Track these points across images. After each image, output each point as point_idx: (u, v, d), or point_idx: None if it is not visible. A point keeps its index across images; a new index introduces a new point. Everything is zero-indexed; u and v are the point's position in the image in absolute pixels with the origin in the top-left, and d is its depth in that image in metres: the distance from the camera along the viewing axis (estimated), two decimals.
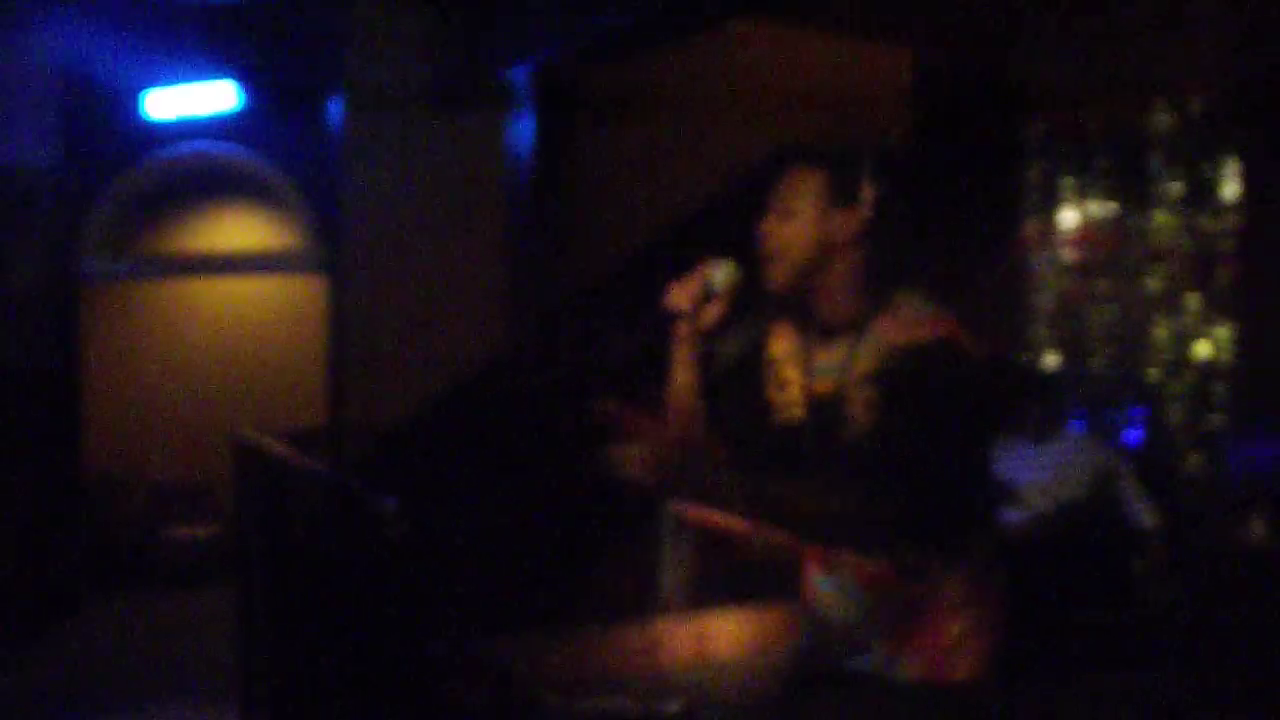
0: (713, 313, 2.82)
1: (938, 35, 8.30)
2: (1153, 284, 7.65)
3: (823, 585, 2.73)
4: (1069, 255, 8.15)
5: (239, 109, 9.54)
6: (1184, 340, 7.48)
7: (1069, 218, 8.14)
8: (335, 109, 9.11)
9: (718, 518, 7.02)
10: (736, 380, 2.84)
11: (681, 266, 8.19)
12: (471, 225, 8.82)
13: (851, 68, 8.88)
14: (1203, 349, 7.38)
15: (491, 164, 8.59)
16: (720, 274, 2.81)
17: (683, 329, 2.81)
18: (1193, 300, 7.44)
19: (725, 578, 7.60)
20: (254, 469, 5.96)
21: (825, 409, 2.64)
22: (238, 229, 10.16)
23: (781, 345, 2.79)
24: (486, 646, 6.03)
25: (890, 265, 2.66)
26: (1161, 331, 7.59)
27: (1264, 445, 6.44)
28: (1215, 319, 7.32)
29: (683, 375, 2.83)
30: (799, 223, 2.67)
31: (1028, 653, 5.98)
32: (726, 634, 7.20)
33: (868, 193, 2.66)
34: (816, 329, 2.71)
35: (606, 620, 7.01)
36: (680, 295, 2.82)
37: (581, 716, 6.06)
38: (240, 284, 10.22)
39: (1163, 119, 7.60)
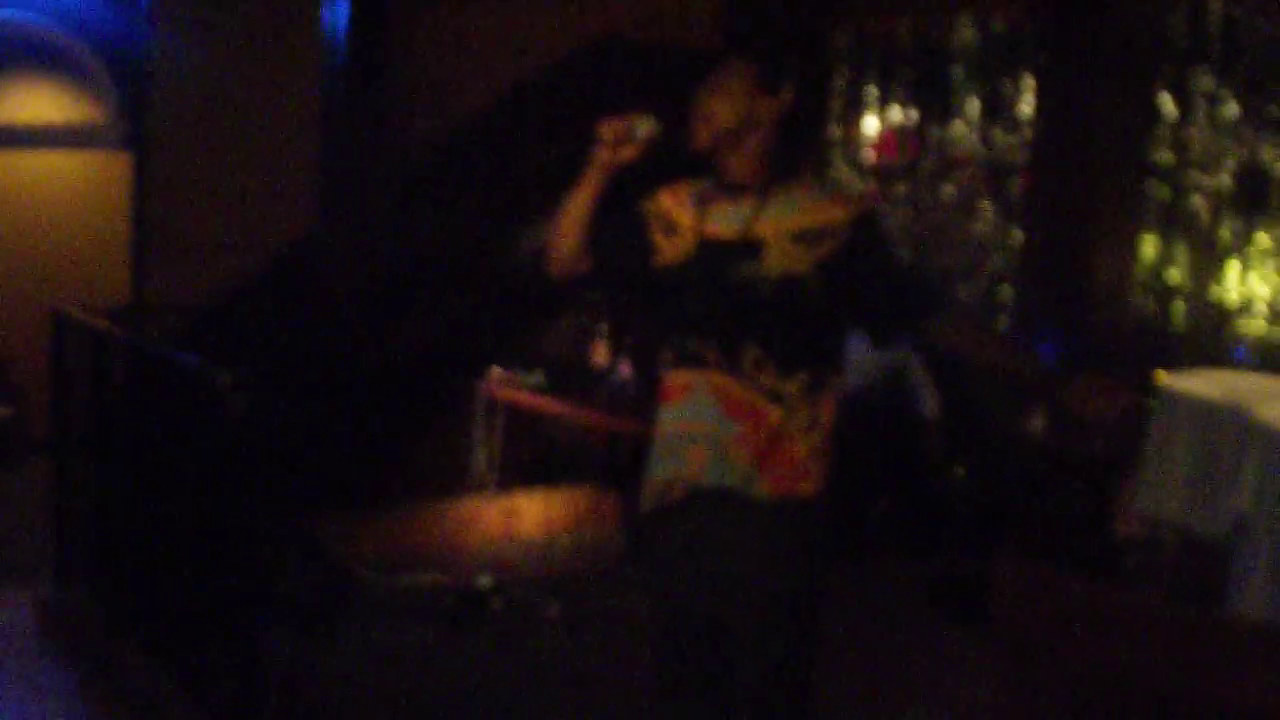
0: (626, 154, 3.08)
1: None
2: (949, 191, 7.97)
3: (684, 412, 3.05)
4: (870, 160, 8.42)
5: None
6: (976, 245, 7.81)
7: (872, 124, 8.41)
8: None
9: (528, 399, 7.23)
10: (623, 220, 3.21)
11: (491, 154, 8.24)
12: (284, 103, 8.74)
13: None
14: (993, 255, 7.72)
15: (306, 41, 8.50)
16: (643, 125, 3.08)
17: (601, 154, 3.08)
18: (986, 208, 7.77)
19: (534, 458, 7.81)
20: (73, 344, 5.93)
21: (716, 249, 3.04)
22: (37, 101, 9.84)
23: (671, 198, 3.19)
24: (305, 523, 6.16)
25: (798, 147, 3.12)
26: (955, 236, 7.91)
27: (1046, 345, 6.81)
28: (1006, 226, 7.66)
29: (584, 195, 3.12)
30: (727, 97, 3.06)
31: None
32: (535, 512, 7.43)
33: (788, 89, 3.08)
34: (721, 186, 3.12)
35: (421, 499, 7.18)
36: (608, 128, 3.07)
37: (396, 591, 6.24)
38: (40, 158, 9.92)
39: (965, 34, 7.89)
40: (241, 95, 8.73)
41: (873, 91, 8.36)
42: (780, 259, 2.99)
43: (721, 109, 3.06)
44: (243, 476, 4.63)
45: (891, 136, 8.27)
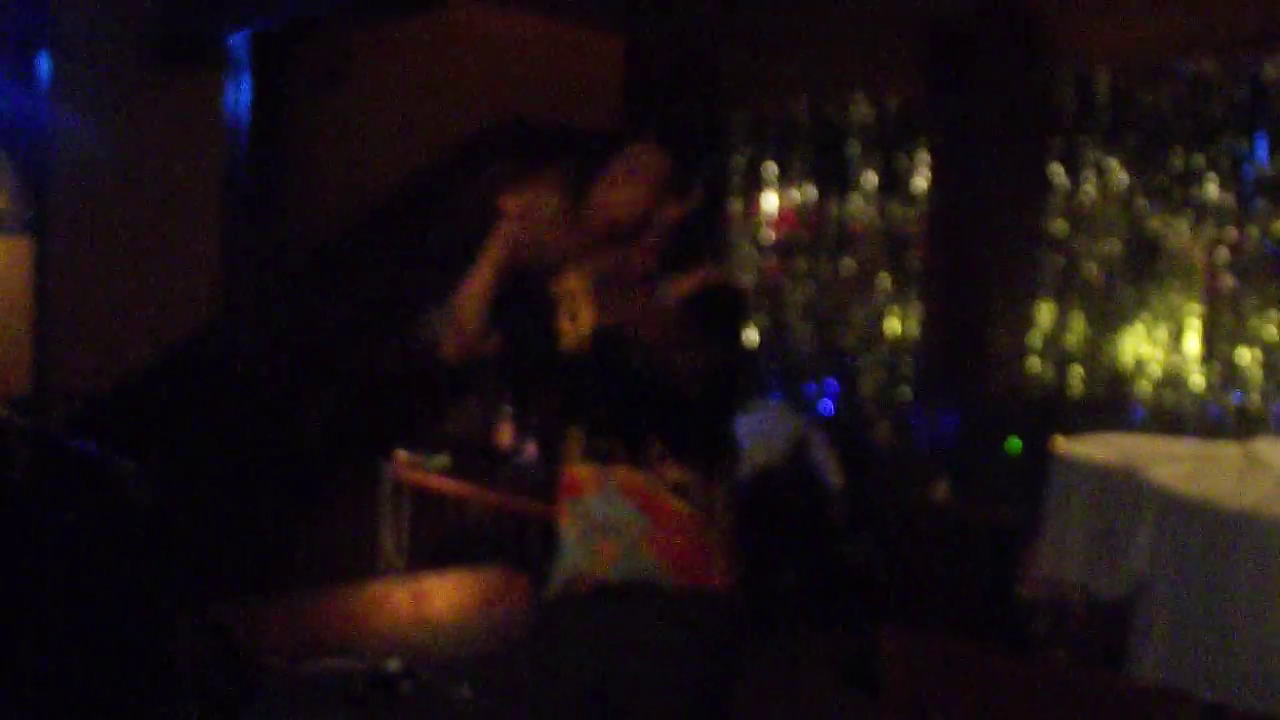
0: (530, 231, 2.97)
1: (649, 24, 8.56)
2: (848, 265, 8.07)
3: (593, 506, 2.98)
4: (770, 237, 8.51)
5: None
6: (876, 318, 7.91)
7: (771, 200, 8.50)
8: (44, 61, 8.87)
9: (435, 481, 7.22)
10: (529, 304, 3.14)
11: (391, 237, 8.27)
12: (186, 190, 8.70)
13: (565, 52, 9.09)
14: (893, 326, 7.82)
15: (208, 126, 8.48)
16: (553, 202, 2.96)
17: (504, 230, 2.99)
18: (884, 280, 7.88)
19: (442, 541, 7.78)
20: None
21: (612, 343, 2.94)
22: None
23: (577, 281, 3.08)
24: (210, 611, 6.09)
25: (698, 243, 3.08)
26: (855, 310, 8.01)
27: (944, 415, 6.89)
28: (904, 299, 7.76)
29: (485, 272, 3.03)
30: (633, 191, 2.99)
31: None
32: (444, 594, 7.40)
33: (697, 191, 3.05)
34: (618, 276, 2.99)
35: (328, 583, 7.13)
36: (512, 203, 2.98)
37: (305, 677, 6.19)
38: None
39: (861, 113, 8.02)
40: (144, 179, 8.67)
41: (771, 169, 8.46)
42: (667, 355, 2.86)
43: (623, 202, 2.98)
44: (148, 564, 4.60)
45: (791, 213, 8.37)
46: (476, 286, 3.05)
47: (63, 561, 5.19)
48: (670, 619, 2.89)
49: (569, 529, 3.04)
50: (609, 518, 2.94)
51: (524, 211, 2.98)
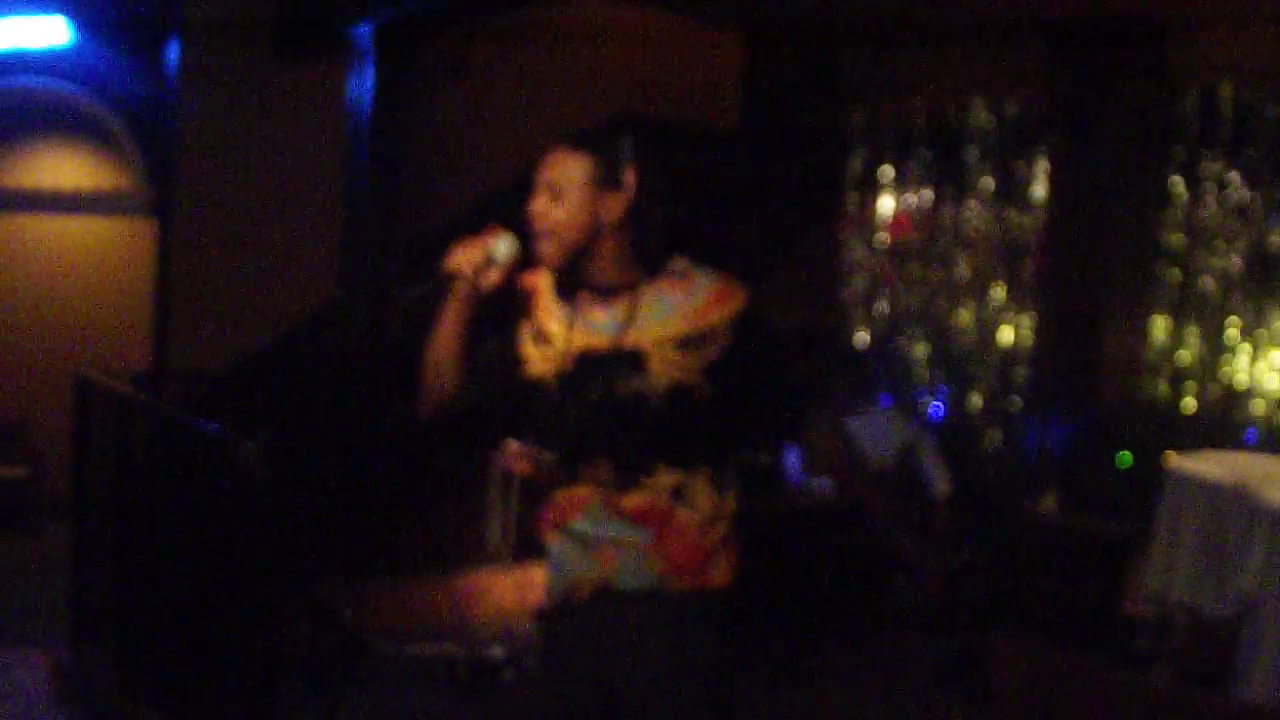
0: (491, 278, 2.93)
1: (770, 23, 8.57)
2: (962, 271, 8.03)
3: (585, 528, 2.87)
4: (885, 240, 8.49)
5: (70, 44, 9.39)
6: (988, 326, 7.86)
7: (887, 205, 8.48)
8: (171, 48, 9.03)
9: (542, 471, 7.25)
10: (493, 336, 3.02)
11: (519, 224, 8.37)
12: (307, 173, 8.82)
13: (685, 47, 9.11)
14: (1005, 335, 7.77)
15: (330, 113, 8.60)
16: (503, 246, 2.92)
17: (459, 288, 2.92)
18: (998, 289, 7.83)
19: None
20: (97, 409, 6.00)
21: (595, 362, 2.85)
22: (66, 167, 9.98)
23: (543, 305, 2.98)
24: (320, 591, 6.20)
25: (657, 239, 2.89)
26: (968, 316, 7.96)
27: (1055, 426, 6.85)
28: (1018, 307, 7.71)
29: (448, 330, 2.96)
30: (567, 206, 2.84)
31: (828, 614, 6.36)
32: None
33: (630, 176, 2.85)
34: (590, 289, 2.89)
35: (435, 569, 7.20)
36: (462, 258, 2.92)
37: (409, 659, 6.26)
38: (67, 223, 10.03)
39: (980, 117, 7.98)
40: (265, 162, 8.81)
41: (888, 171, 8.43)
42: (665, 369, 2.80)
43: (561, 217, 2.84)
44: (260, 542, 4.68)
45: (906, 217, 8.34)
46: (440, 351, 2.98)
47: (179, 536, 5.30)
48: (669, 620, 2.82)
49: (561, 547, 2.94)
50: (604, 535, 2.85)
51: (475, 265, 2.91)
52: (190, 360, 8.49)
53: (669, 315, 2.82)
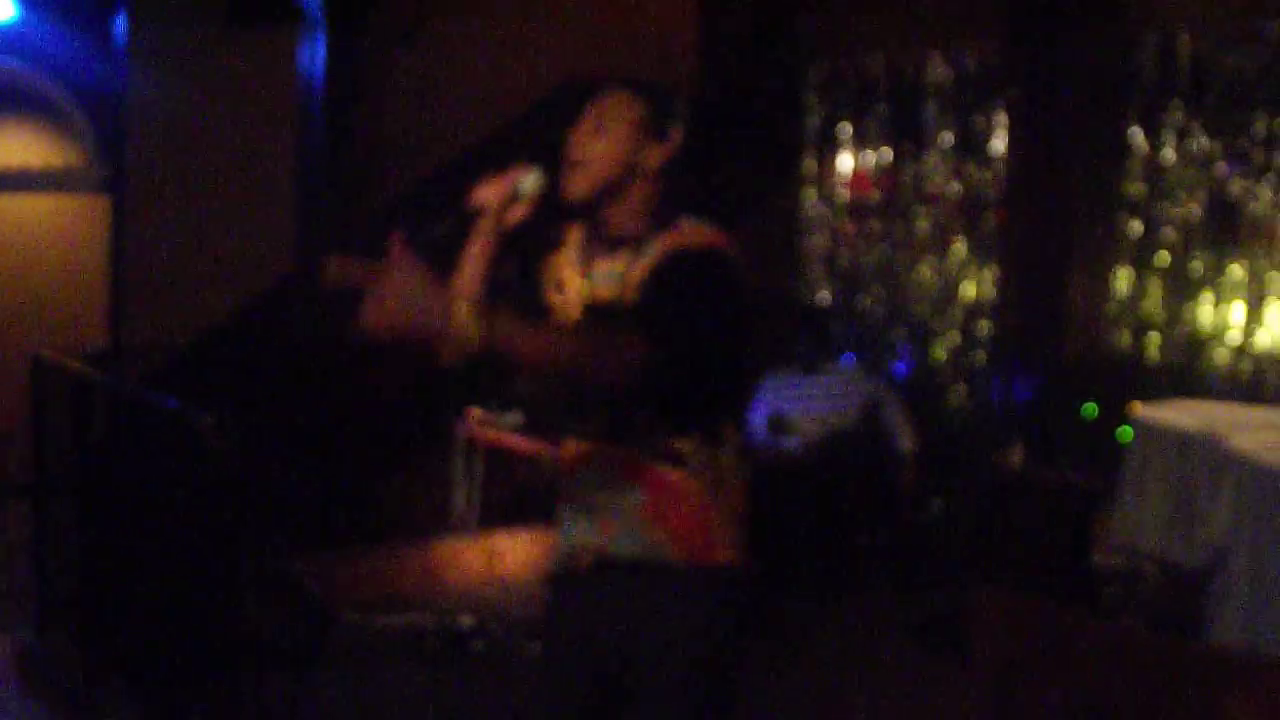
0: (516, 214, 2.90)
1: None
2: (922, 227, 8.01)
3: (585, 481, 2.85)
4: (844, 196, 8.46)
5: (15, 19, 9.27)
6: (950, 281, 7.85)
7: (846, 161, 8.45)
8: (120, 22, 8.94)
9: (508, 438, 7.23)
10: (518, 280, 2.98)
11: (465, 197, 8.31)
12: (261, 145, 8.76)
13: (640, 7, 9.06)
14: (968, 290, 7.76)
15: (282, 84, 8.54)
16: (529, 180, 2.88)
17: (484, 225, 2.88)
18: (960, 243, 7.82)
19: (514, 498, 7.80)
20: (54, 388, 5.94)
21: (600, 312, 2.82)
22: (15, 145, 9.88)
23: (563, 255, 2.96)
24: (285, 564, 6.15)
25: (680, 194, 2.86)
26: (929, 272, 7.95)
27: (1020, 380, 6.85)
28: (980, 262, 7.70)
29: (470, 267, 2.89)
30: (611, 141, 2.80)
31: (803, 570, 6.37)
32: (516, 552, 7.40)
33: (677, 132, 2.83)
34: (602, 240, 2.87)
35: (401, 539, 7.16)
36: (488, 193, 2.89)
37: (377, 631, 6.23)
38: (17, 201, 9.93)
39: (938, 72, 7.95)
40: (219, 137, 8.75)
41: (846, 128, 8.40)
42: (637, 309, 2.74)
43: (601, 154, 2.80)
44: (224, 518, 4.65)
45: (865, 173, 8.32)
46: (464, 289, 2.85)
47: (141, 515, 5.26)
48: (673, 598, 2.77)
49: (568, 501, 2.92)
50: (602, 493, 2.82)
51: (502, 199, 2.88)
52: (147, 337, 8.44)
53: (652, 257, 2.77)
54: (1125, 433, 5.82)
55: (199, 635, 4.89)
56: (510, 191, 2.88)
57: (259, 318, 8.06)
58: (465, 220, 2.89)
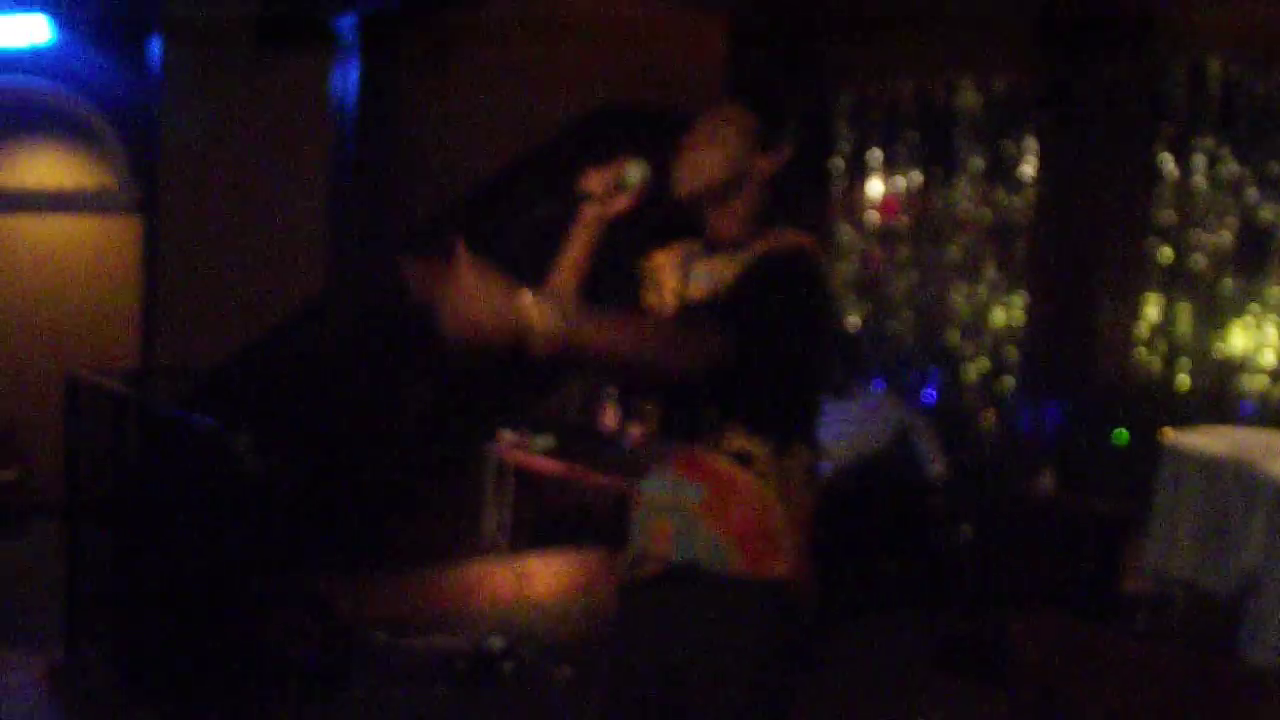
0: (619, 204, 2.94)
1: (752, 7, 8.54)
2: (953, 253, 8.01)
3: (654, 484, 2.87)
4: (874, 222, 8.46)
5: (52, 42, 9.35)
6: (980, 307, 7.85)
7: (875, 187, 8.45)
8: (155, 45, 9.01)
9: (538, 462, 7.26)
10: (618, 278, 3.04)
11: (500, 214, 8.32)
12: (293, 169, 8.82)
13: (668, 35, 9.09)
14: (997, 315, 7.76)
15: (315, 108, 8.60)
16: (635, 171, 2.93)
17: (589, 211, 2.94)
18: (989, 269, 7.81)
19: (544, 521, 7.82)
20: (87, 407, 5.98)
21: (694, 312, 2.85)
22: (50, 166, 9.94)
23: (664, 254, 3.01)
24: (316, 584, 6.17)
25: (779, 205, 2.91)
26: (959, 298, 7.95)
27: (1050, 406, 6.84)
28: (1010, 287, 7.69)
29: (574, 253, 2.98)
30: (722, 148, 2.85)
31: (834, 595, 6.34)
32: (546, 575, 7.44)
33: (787, 146, 2.89)
34: (703, 243, 2.92)
35: (432, 561, 7.19)
36: (595, 180, 2.94)
37: (407, 652, 6.24)
38: (52, 222, 9.99)
39: (968, 98, 7.95)
40: (251, 157, 8.80)
41: (876, 154, 8.41)
42: (728, 306, 2.76)
43: (711, 161, 2.85)
44: (256, 537, 4.67)
45: (895, 199, 8.32)
46: (564, 274, 2.98)
47: (173, 533, 5.28)
48: (730, 608, 2.77)
49: (636, 508, 2.94)
50: (667, 494, 2.84)
51: (609, 186, 2.93)
52: (179, 357, 8.49)
53: (745, 260, 2.80)
54: (1120, 436, 5.84)
55: (229, 653, 4.90)
56: (615, 180, 2.93)
57: (291, 337, 8.10)
58: (570, 204, 2.96)
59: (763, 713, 2.80)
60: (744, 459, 2.77)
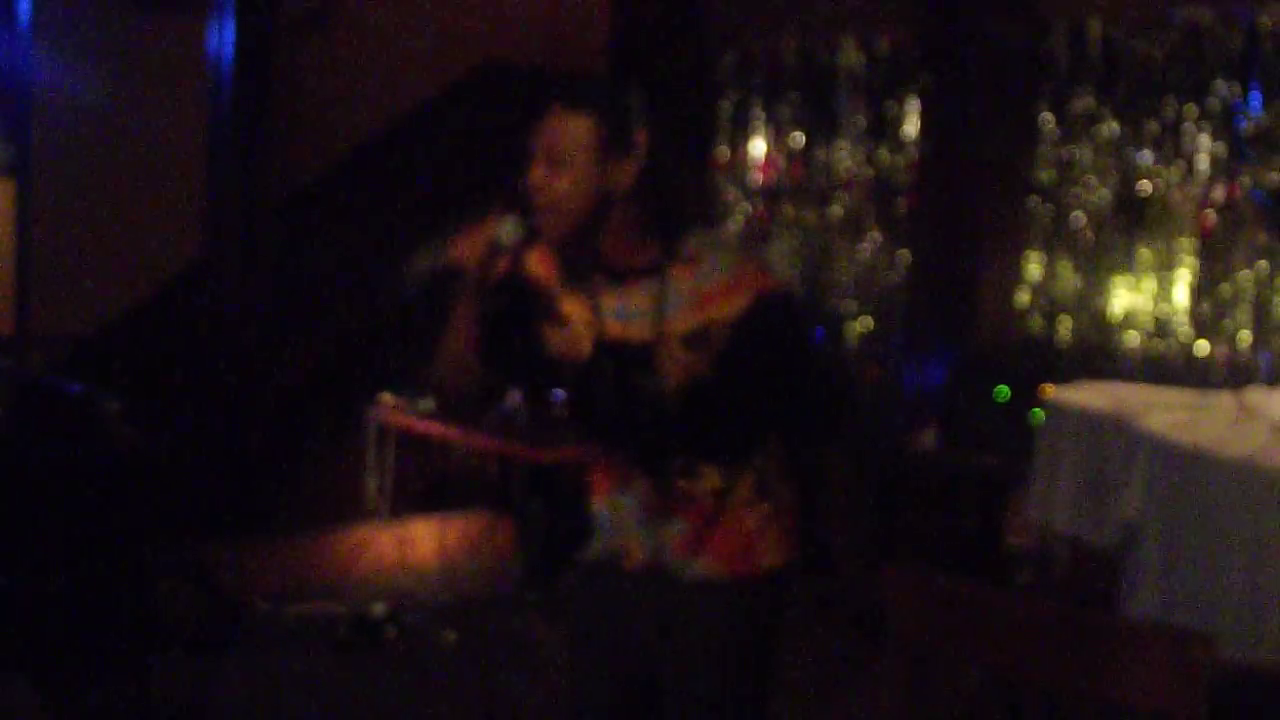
0: (500, 266, 2.68)
1: None
2: (835, 211, 8.02)
3: (622, 503, 2.79)
4: (758, 181, 8.46)
5: None
6: (863, 265, 7.87)
7: (759, 146, 8.44)
8: (24, 2, 8.77)
9: (420, 424, 7.18)
10: (509, 325, 2.81)
11: (377, 181, 8.23)
12: (169, 129, 8.63)
13: None
14: (880, 274, 7.79)
15: (191, 66, 8.40)
16: (508, 229, 2.64)
17: (468, 283, 2.67)
18: (872, 228, 7.84)
19: (427, 485, 7.76)
20: None
21: (631, 352, 2.66)
22: None
23: (542, 268, 2.78)
24: (195, 552, 6.07)
25: (675, 212, 2.68)
26: (842, 257, 7.97)
27: (933, 363, 6.89)
28: (893, 246, 7.73)
29: (463, 326, 2.70)
30: (573, 173, 2.56)
31: None
32: (429, 539, 7.38)
33: (642, 139, 2.59)
34: (601, 274, 2.69)
35: (313, 526, 7.10)
36: (466, 248, 2.67)
37: (289, 619, 6.17)
38: None
39: (851, 56, 7.96)
40: (126, 120, 8.60)
41: (758, 114, 8.40)
42: (674, 369, 2.62)
43: (565, 186, 2.55)
44: (131, 505, 4.58)
45: (778, 158, 8.31)
46: (458, 342, 2.72)
47: (46, 500, 5.16)
48: (713, 607, 2.73)
49: (607, 511, 2.84)
50: (635, 516, 2.76)
51: (485, 252, 2.65)
52: (54, 324, 8.29)
53: (677, 307, 2.60)
54: (1037, 414, 5.86)
55: (108, 624, 4.80)
56: (489, 244, 2.65)
57: (168, 303, 7.96)
58: (447, 278, 2.71)
59: (742, 698, 2.78)
60: (716, 494, 2.70)
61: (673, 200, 2.68)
